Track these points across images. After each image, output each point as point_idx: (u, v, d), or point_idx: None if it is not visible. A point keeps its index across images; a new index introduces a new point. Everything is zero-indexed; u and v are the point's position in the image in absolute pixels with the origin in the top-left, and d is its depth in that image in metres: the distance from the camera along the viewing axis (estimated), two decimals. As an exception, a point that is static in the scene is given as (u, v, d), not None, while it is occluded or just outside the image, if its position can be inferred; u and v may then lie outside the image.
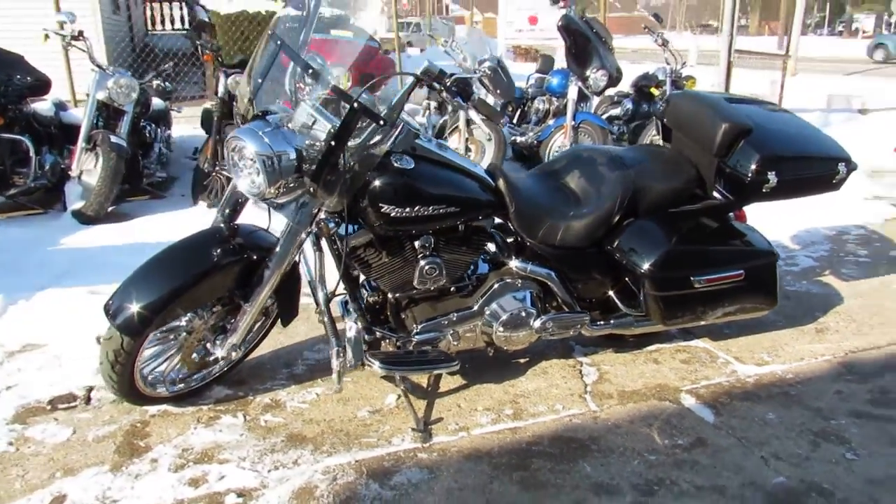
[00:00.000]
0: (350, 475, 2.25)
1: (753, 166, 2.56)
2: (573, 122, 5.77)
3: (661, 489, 2.17)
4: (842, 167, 2.68)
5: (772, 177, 2.56)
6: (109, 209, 4.92)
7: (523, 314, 2.62)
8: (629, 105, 6.70)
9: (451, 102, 2.22)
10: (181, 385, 2.61)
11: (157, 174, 5.57)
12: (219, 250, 2.35)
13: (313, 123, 2.24)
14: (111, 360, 2.30)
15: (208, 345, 2.55)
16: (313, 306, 2.57)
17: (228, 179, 5.22)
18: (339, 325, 2.49)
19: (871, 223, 4.79)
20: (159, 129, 5.94)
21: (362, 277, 2.67)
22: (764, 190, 2.59)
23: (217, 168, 5.24)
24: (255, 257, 2.40)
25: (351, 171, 2.21)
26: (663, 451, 2.36)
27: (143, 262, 2.37)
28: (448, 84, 2.16)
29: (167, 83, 5.93)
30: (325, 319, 2.40)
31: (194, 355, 2.54)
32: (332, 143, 2.13)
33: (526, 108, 7.03)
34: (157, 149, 5.78)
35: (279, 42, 2.29)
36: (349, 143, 2.18)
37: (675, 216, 2.70)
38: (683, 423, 2.51)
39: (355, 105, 2.10)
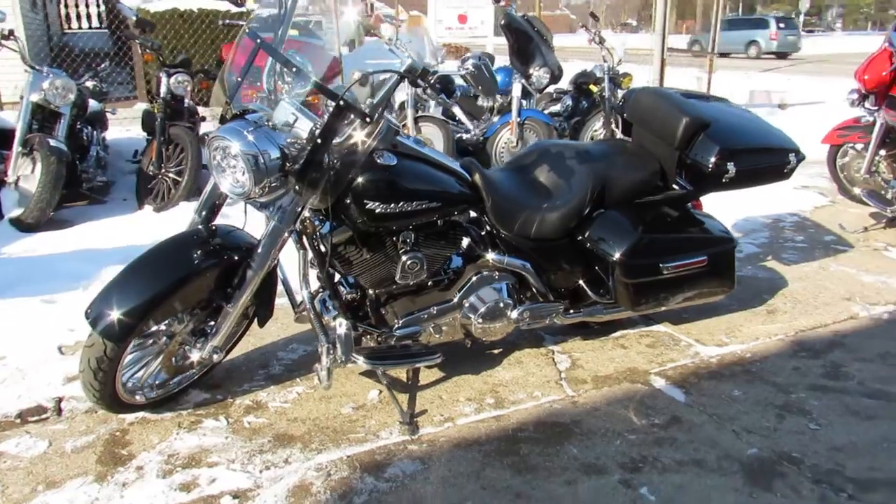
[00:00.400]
0: (343, 470, 2.27)
1: (713, 158, 2.71)
2: (518, 119, 5.89)
3: (646, 466, 2.27)
4: (792, 157, 2.87)
5: (731, 167, 2.71)
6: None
7: (501, 305, 2.69)
8: (569, 101, 6.87)
9: (436, 98, 2.27)
10: (160, 391, 2.56)
11: (97, 178, 5.38)
12: (199, 252, 2.32)
13: (295, 121, 2.25)
14: (93, 368, 2.24)
15: (187, 348, 2.51)
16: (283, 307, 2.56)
17: (175, 182, 5.11)
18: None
19: (802, 211, 5.09)
20: (95, 132, 5.74)
21: (337, 276, 2.69)
22: (724, 180, 2.74)
23: (162, 170, 5.12)
24: (235, 258, 2.38)
25: (336, 168, 2.22)
26: (642, 430, 2.47)
27: (124, 267, 2.32)
28: (432, 81, 2.20)
29: (103, 84, 5.73)
30: (312, 317, 2.41)
31: (174, 360, 2.50)
32: (318, 140, 2.15)
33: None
34: (95, 152, 5.58)
35: (259, 40, 2.28)
36: (334, 141, 2.20)
37: (641, 207, 2.82)
38: (657, 404, 2.64)
39: (341, 102, 2.12)
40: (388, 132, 2.30)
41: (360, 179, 2.29)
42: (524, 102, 6.03)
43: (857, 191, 4.95)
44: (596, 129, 6.49)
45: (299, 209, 2.31)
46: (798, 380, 2.78)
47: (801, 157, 2.89)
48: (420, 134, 6.05)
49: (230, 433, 2.47)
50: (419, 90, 2.26)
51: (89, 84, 5.50)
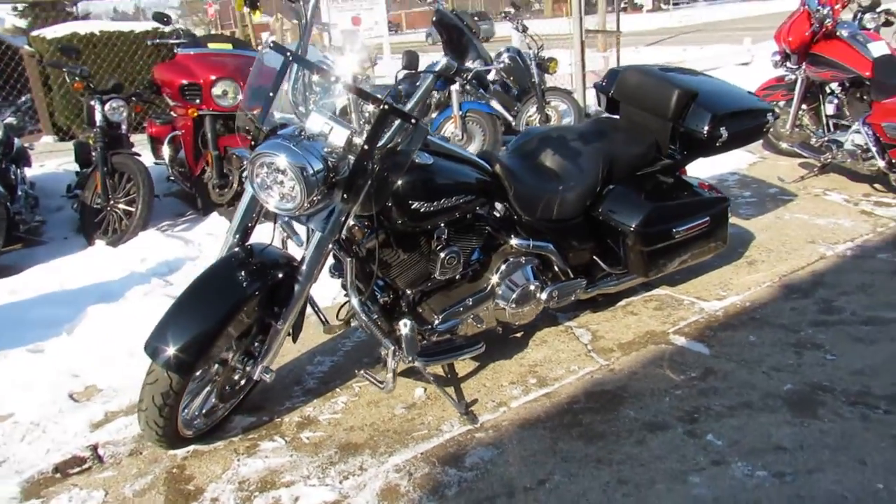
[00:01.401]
0: (423, 468, 2.30)
1: (707, 126, 2.90)
2: (460, 112, 5.99)
3: (701, 416, 2.43)
4: (770, 116, 3.12)
5: (723, 132, 2.92)
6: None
7: (531, 288, 2.78)
8: (499, 90, 7.03)
9: (475, 94, 2.33)
10: (207, 420, 2.51)
11: (34, 219, 5.05)
12: (244, 274, 2.28)
13: (330, 131, 2.25)
14: (158, 405, 2.17)
15: (237, 373, 2.47)
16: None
17: (127, 213, 4.89)
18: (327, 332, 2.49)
19: (739, 169, 5.45)
20: (19, 170, 5.39)
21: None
22: (717, 144, 2.95)
23: (111, 202, 4.88)
24: (280, 275, 2.35)
25: (383, 173, 2.25)
26: (684, 385, 2.64)
27: (176, 299, 2.25)
28: (469, 77, 2.27)
29: (25, 119, 5.39)
30: (370, 323, 2.42)
31: (224, 386, 2.45)
32: (365, 146, 2.16)
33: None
34: (23, 191, 5.25)
35: (288, 54, 2.26)
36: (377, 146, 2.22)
37: (644, 178, 2.99)
38: (687, 360, 2.81)
39: (385, 106, 2.14)
40: (424, 132, 2.34)
41: (403, 181, 2.32)
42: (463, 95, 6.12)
43: (784, 145, 5.36)
44: (530, 114, 6.67)
45: (343, 218, 2.31)
46: (799, 318, 3.03)
47: (776, 116, 3.15)
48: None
49: (293, 451, 2.45)
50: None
51: (11, 120, 5.17)
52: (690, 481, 2.13)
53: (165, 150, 5.27)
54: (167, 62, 5.41)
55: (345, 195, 2.20)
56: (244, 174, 2.43)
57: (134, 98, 5.25)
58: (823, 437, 2.27)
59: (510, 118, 6.31)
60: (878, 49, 4.34)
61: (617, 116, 3.25)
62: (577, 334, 3.11)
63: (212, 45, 5.28)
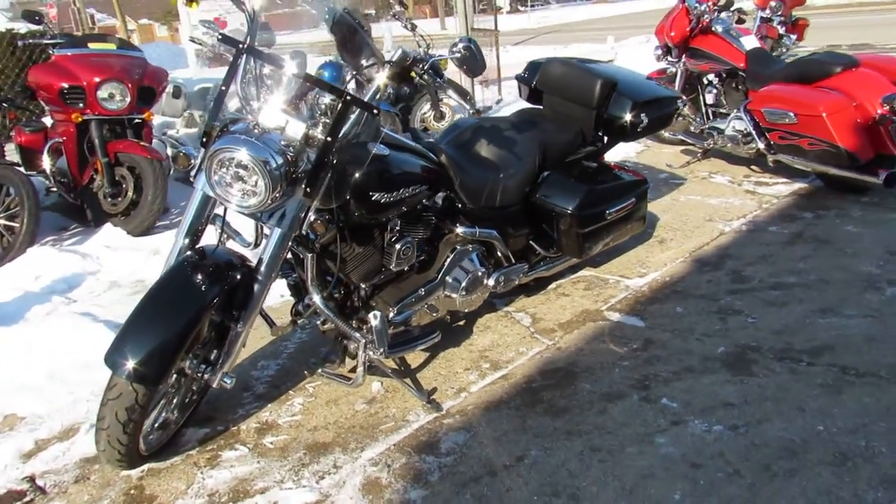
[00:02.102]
0: (400, 458, 2.30)
1: (629, 114, 3.09)
2: (358, 111, 5.95)
3: (652, 383, 2.59)
4: (680, 103, 3.36)
5: (644, 118, 3.12)
6: None
7: (479, 275, 2.84)
8: (390, 89, 7.02)
9: (431, 83, 2.35)
10: (162, 435, 2.37)
11: None
12: (201, 277, 2.18)
13: (286, 124, 2.20)
14: (122, 421, 2.03)
15: (195, 382, 2.35)
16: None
17: (8, 228, 4.49)
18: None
19: (629, 158, 5.79)
20: None
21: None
22: (638, 130, 3.14)
23: (-11, 218, 4.45)
24: (237, 277, 2.27)
25: (344, 165, 2.22)
26: (629, 356, 2.79)
27: (133, 311, 2.10)
28: (424, 67, 2.28)
29: None
30: (336, 318, 2.38)
31: (185, 398, 2.33)
32: (328, 139, 2.13)
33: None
34: None
35: (240, 45, 2.18)
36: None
37: (573, 164, 3.14)
38: (626, 333, 2.98)
39: (347, 97, 2.13)
40: (379, 123, 2.34)
41: (363, 173, 2.30)
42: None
43: (667, 134, 5.74)
44: (424, 111, 6.74)
45: (303, 213, 2.26)
46: (716, 289, 3.29)
47: (684, 102, 3.40)
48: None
49: (259, 457, 2.37)
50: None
51: None
52: (657, 442, 2.27)
53: (45, 160, 4.86)
54: (43, 64, 5.00)
55: (307, 189, 2.16)
56: (192, 174, 2.31)
57: (5, 104, 4.82)
58: (762, 391, 2.48)
59: (468, 107, 6.40)
60: (749, 42, 4.77)
61: (537, 106, 3.38)
62: (518, 318, 3.21)
63: (93, 45, 4.93)
